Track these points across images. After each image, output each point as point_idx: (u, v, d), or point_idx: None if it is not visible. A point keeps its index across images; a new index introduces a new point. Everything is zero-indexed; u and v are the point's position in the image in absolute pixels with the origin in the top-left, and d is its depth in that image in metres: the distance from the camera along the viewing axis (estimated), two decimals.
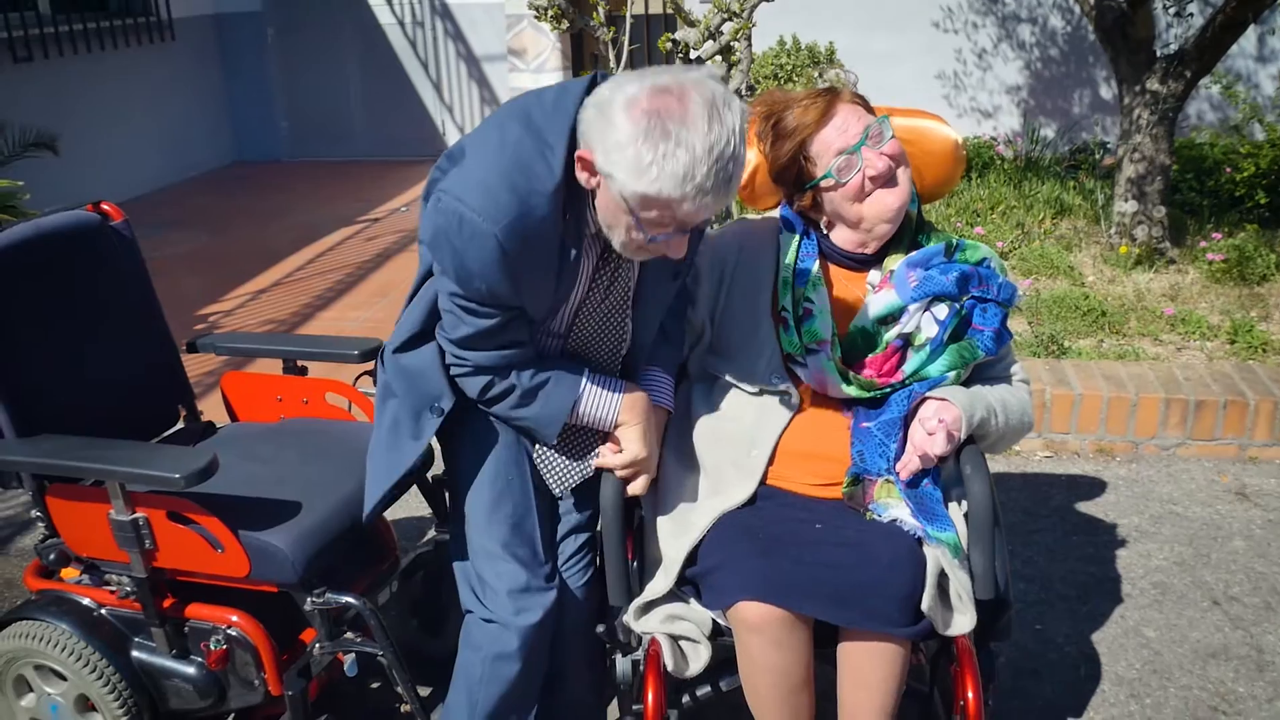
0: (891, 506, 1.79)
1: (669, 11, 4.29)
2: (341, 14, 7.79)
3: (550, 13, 3.88)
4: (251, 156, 8.11)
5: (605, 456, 1.82)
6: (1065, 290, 4.35)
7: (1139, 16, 4.56)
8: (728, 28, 3.81)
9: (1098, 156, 6.52)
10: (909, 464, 1.79)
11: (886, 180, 1.81)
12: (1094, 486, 3.22)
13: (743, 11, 3.71)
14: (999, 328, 1.88)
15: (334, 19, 7.81)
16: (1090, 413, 3.36)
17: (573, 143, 1.55)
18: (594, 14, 4.18)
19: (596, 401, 1.77)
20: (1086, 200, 5.50)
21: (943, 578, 1.73)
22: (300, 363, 2.32)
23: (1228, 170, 5.47)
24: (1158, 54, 4.67)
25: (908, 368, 1.85)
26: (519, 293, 1.62)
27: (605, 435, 1.83)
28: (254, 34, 7.85)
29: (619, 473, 1.80)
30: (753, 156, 1.97)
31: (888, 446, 1.81)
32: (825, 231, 1.92)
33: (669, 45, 3.86)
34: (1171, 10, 5.40)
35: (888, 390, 1.85)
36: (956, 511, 1.83)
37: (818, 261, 1.90)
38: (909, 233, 1.91)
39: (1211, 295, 4.33)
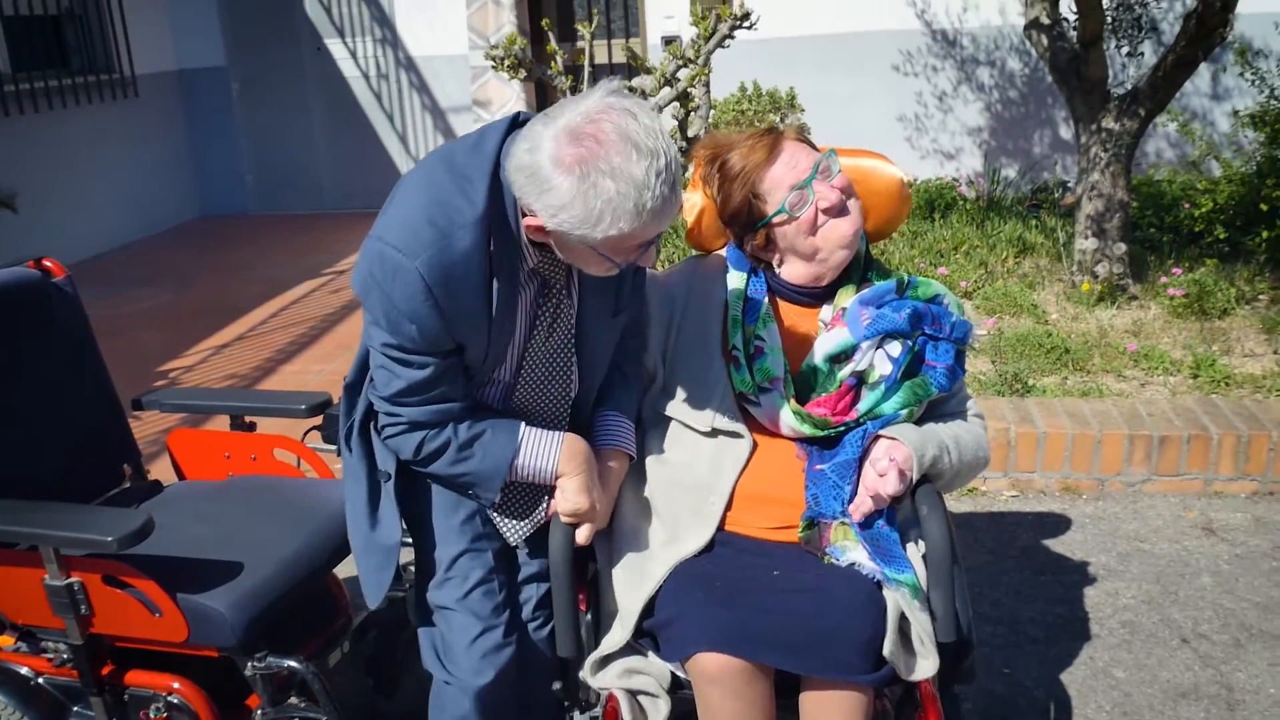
0: (849, 550, 1.75)
1: (626, 60, 4.32)
2: (306, 67, 7.82)
3: (507, 63, 3.90)
4: (217, 211, 8.08)
5: (553, 503, 1.78)
6: (1029, 328, 4.36)
7: (1092, 56, 4.62)
8: (684, 74, 3.83)
9: (1058, 195, 6.59)
10: (861, 505, 1.76)
11: (839, 210, 1.81)
12: (1061, 525, 3.20)
13: (697, 58, 3.74)
14: (952, 364, 1.87)
15: (299, 73, 7.83)
16: (1055, 450, 3.35)
17: (495, 179, 1.54)
18: (552, 63, 4.20)
19: (535, 451, 1.73)
20: (1048, 239, 5.54)
21: (904, 621, 1.69)
22: (248, 419, 2.27)
23: (1186, 206, 5.53)
24: (1112, 93, 4.73)
25: (862, 406, 1.82)
26: (451, 331, 1.59)
27: (550, 489, 1.79)
28: (218, 89, 7.86)
29: (564, 519, 1.76)
30: (698, 199, 1.96)
31: (842, 489, 1.77)
32: (777, 269, 1.91)
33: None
34: (1124, 50, 5.49)
35: (842, 429, 1.82)
36: (915, 552, 1.80)
37: (767, 298, 1.88)
38: (858, 269, 1.90)
39: (1173, 330, 4.35)
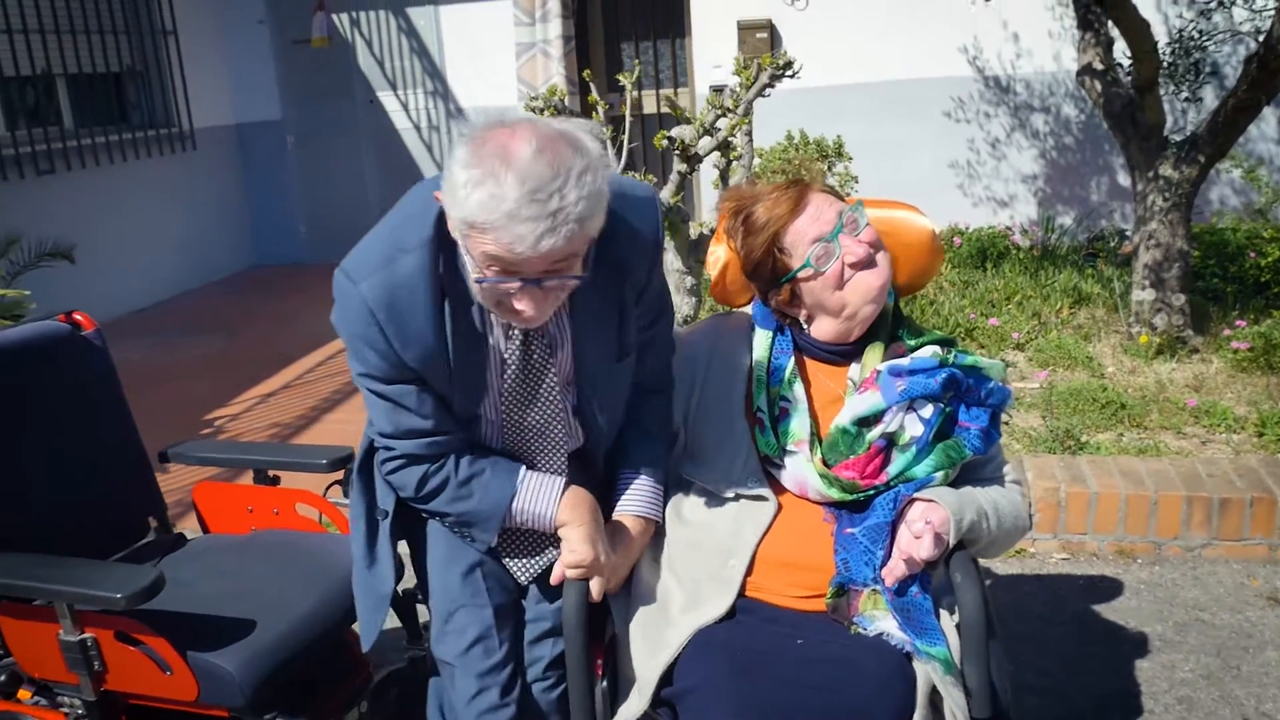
0: (878, 619, 1.67)
1: (664, 110, 4.31)
2: (360, 120, 7.96)
3: (546, 114, 3.90)
4: (271, 260, 8.21)
5: (558, 568, 1.72)
6: (1083, 382, 4.23)
7: (1148, 102, 4.52)
8: (723, 124, 3.81)
9: (1115, 244, 6.44)
10: (894, 569, 1.68)
11: (866, 264, 1.75)
12: (1114, 590, 3.05)
13: (737, 107, 3.71)
14: (987, 426, 1.79)
15: (352, 125, 7.97)
16: (1108, 512, 3.21)
17: None
18: (594, 114, 4.21)
19: (535, 496, 1.69)
20: (1105, 289, 5.40)
21: (935, 695, 1.61)
22: (272, 472, 2.26)
23: (1252, 255, 5.37)
24: (1170, 139, 4.62)
25: (892, 469, 1.75)
26: (406, 360, 1.55)
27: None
28: (274, 142, 8.02)
29: (570, 573, 1.69)
30: (723, 253, 1.91)
31: (874, 554, 1.70)
32: (805, 326, 1.85)
33: (665, 143, 3.86)
34: (1183, 95, 5.37)
35: (871, 492, 1.74)
36: (948, 622, 1.71)
37: (793, 358, 1.82)
38: (886, 325, 1.84)
39: (1237, 385, 4.19)
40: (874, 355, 1.83)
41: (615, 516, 1.77)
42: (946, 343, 1.85)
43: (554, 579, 1.74)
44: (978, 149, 7.15)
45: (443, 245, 1.52)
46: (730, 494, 1.76)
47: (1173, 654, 2.72)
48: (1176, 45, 5.22)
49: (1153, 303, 4.65)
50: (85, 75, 6.58)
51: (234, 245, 8.01)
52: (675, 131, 3.93)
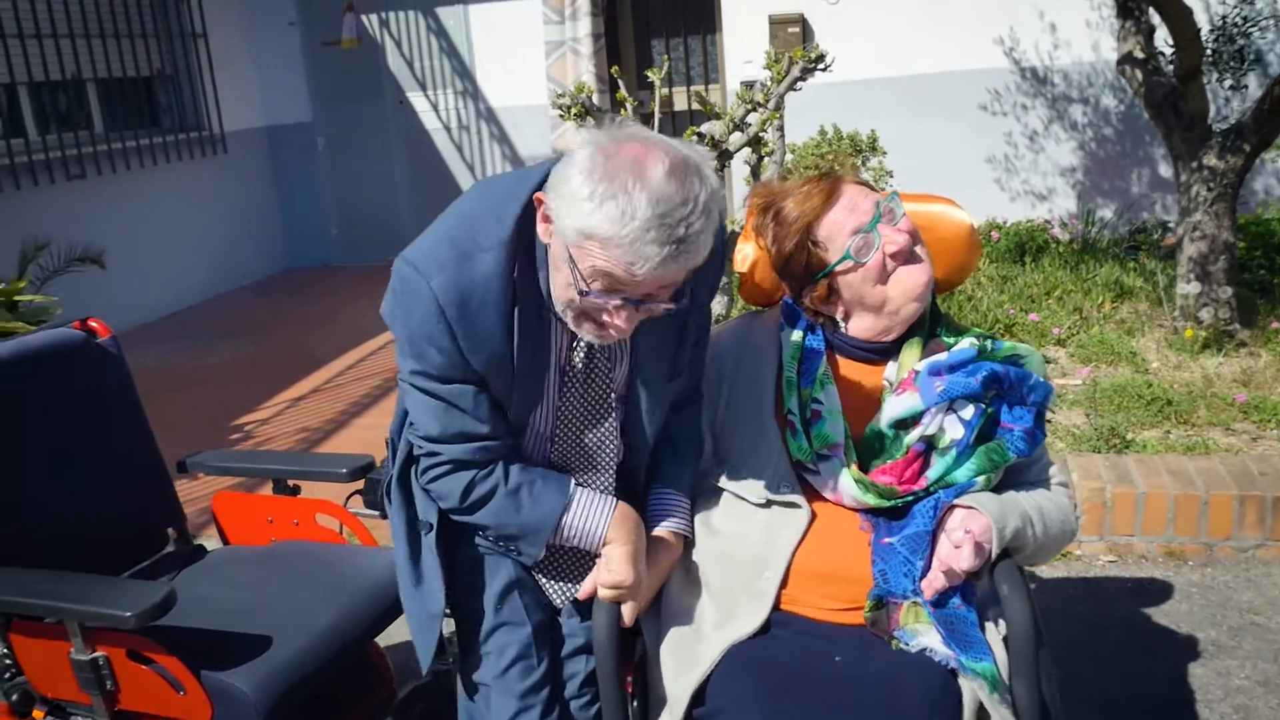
0: (920, 633, 1.58)
1: (695, 108, 4.23)
2: (389, 121, 7.94)
3: (574, 111, 3.84)
4: (302, 263, 8.22)
5: (591, 579, 1.65)
6: (1127, 378, 4.10)
7: (1190, 91, 4.39)
8: (754, 119, 3.72)
9: (1158, 236, 6.28)
10: (933, 581, 1.59)
11: (907, 256, 1.67)
12: (1164, 594, 2.94)
13: (767, 102, 3.63)
14: (1031, 426, 1.70)
15: (382, 126, 7.96)
16: (1157, 512, 3.10)
17: (531, 204, 1.46)
18: (623, 110, 4.14)
19: (587, 511, 1.62)
20: (1148, 282, 5.26)
21: (982, 713, 1.52)
22: (292, 482, 2.20)
23: None
24: (1214, 129, 4.48)
25: (932, 473, 1.66)
26: (470, 361, 1.49)
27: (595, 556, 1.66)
28: (304, 144, 8.02)
29: (604, 593, 1.62)
30: (751, 250, 1.83)
31: (913, 565, 1.61)
32: (842, 324, 1.77)
33: (695, 139, 3.78)
34: (1227, 84, 5.21)
35: (910, 498, 1.66)
36: (994, 635, 1.63)
37: (825, 357, 1.74)
38: (924, 323, 1.75)
39: None
40: (912, 354, 1.74)
41: (649, 530, 1.70)
42: (984, 338, 1.77)
43: (582, 593, 1.67)
44: (1015, 142, 7.01)
45: (520, 247, 1.47)
46: (762, 500, 1.68)
47: (1227, 660, 2.61)
48: (1220, 32, 5.07)
49: (1198, 296, 4.51)
50: (115, 79, 6.60)
51: (265, 248, 8.02)
52: (705, 127, 3.85)
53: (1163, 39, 4.58)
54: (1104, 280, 5.34)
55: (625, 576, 1.60)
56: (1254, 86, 5.94)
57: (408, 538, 1.70)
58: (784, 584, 1.65)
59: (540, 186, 1.46)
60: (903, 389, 1.69)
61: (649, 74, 4.28)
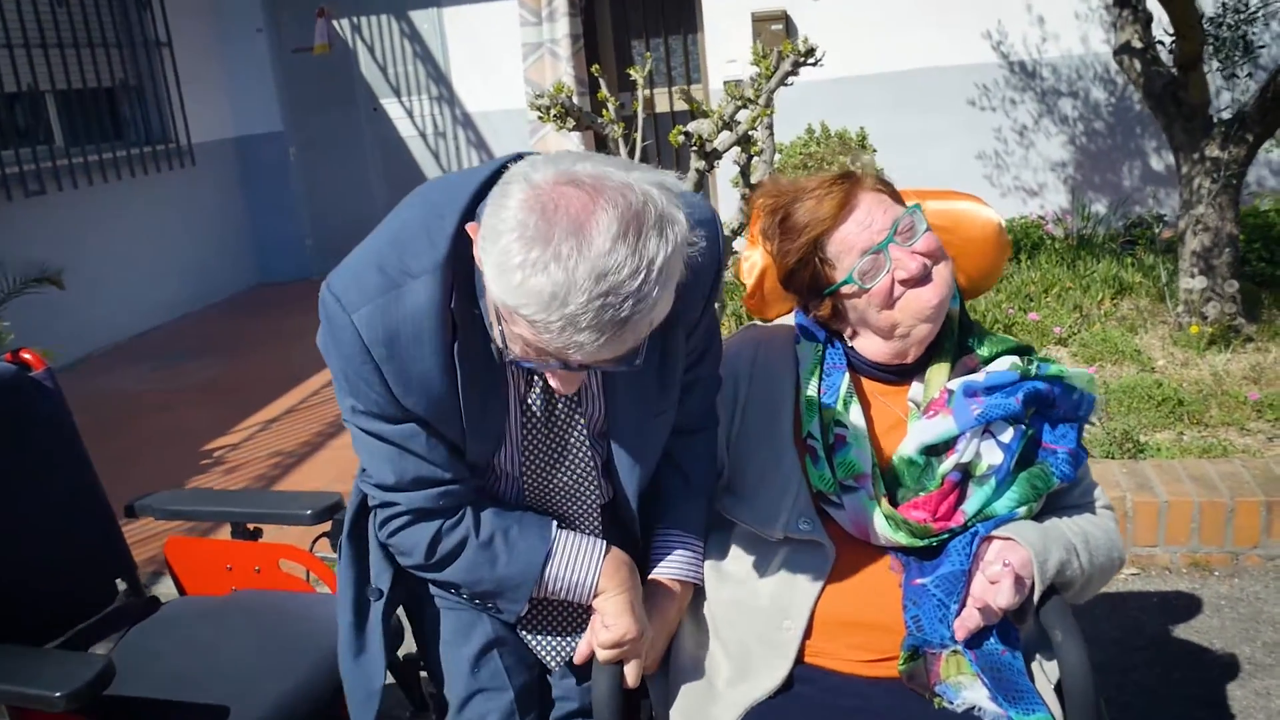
0: (965, 686, 1.41)
1: (680, 107, 4.05)
2: (363, 128, 7.72)
3: (554, 112, 3.65)
4: (277, 277, 7.98)
5: (586, 639, 1.46)
6: (1134, 378, 3.94)
7: (1191, 80, 4.23)
8: (744, 116, 3.54)
9: (1156, 230, 6.14)
10: (967, 620, 1.42)
11: (919, 281, 1.48)
12: (1192, 608, 2.77)
13: (758, 98, 3.45)
14: (1075, 447, 1.52)
15: (356, 134, 7.74)
16: (1180, 521, 2.93)
17: (466, 220, 1.24)
18: (604, 111, 3.95)
19: (573, 559, 1.41)
20: (1148, 277, 5.11)
21: None
22: (252, 525, 2.00)
23: None
24: (1215, 119, 4.33)
25: (969, 506, 1.48)
26: (409, 406, 1.29)
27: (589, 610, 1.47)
28: (276, 154, 7.79)
29: (603, 654, 1.42)
30: (759, 259, 1.65)
31: (949, 609, 1.43)
32: (849, 341, 1.59)
33: (681, 139, 3.60)
34: (1228, 73, 5.07)
35: (945, 536, 1.48)
36: (1044, 683, 1.45)
37: (847, 375, 1.55)
38: (952, 336, 1.57)
39: None
40: (940, 373, 1.56)
41: (651, 579, 1.50)
42: (1023, 351, 1.59)
43: (579, 657, 1.47)
44: (1004, 137, 6.87)
45: (457, 269, 1.24)
46: (779, 536, 1.49)
47: (1267, 679, 2.44)
48: (1222, 19, 4.92)
49: (1203, 291, 4.36)
50: (75, 91, 6.36)
51: (237, 263, 7.78)
52: (692, 126, 3.67)
53: (1161, 28, 4.43)
54: (1102, 276, 5.18)
55: (625, 630, 1.40)
56: (1242, 76, 5.81)
57: (354, 602, 1.50)
58: (807, 634, 1.47)
59: (480, 197, 1.23)
60: (933, 410, 1.51)
61: (631, 72, 4.09)
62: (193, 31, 7.26)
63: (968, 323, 1.61)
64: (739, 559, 1.54)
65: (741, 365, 1.61)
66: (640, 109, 4.12)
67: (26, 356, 1.94)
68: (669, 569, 1.49)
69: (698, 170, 3.79)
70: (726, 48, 6.96)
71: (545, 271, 1.04)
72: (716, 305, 3.56)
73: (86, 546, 1.93)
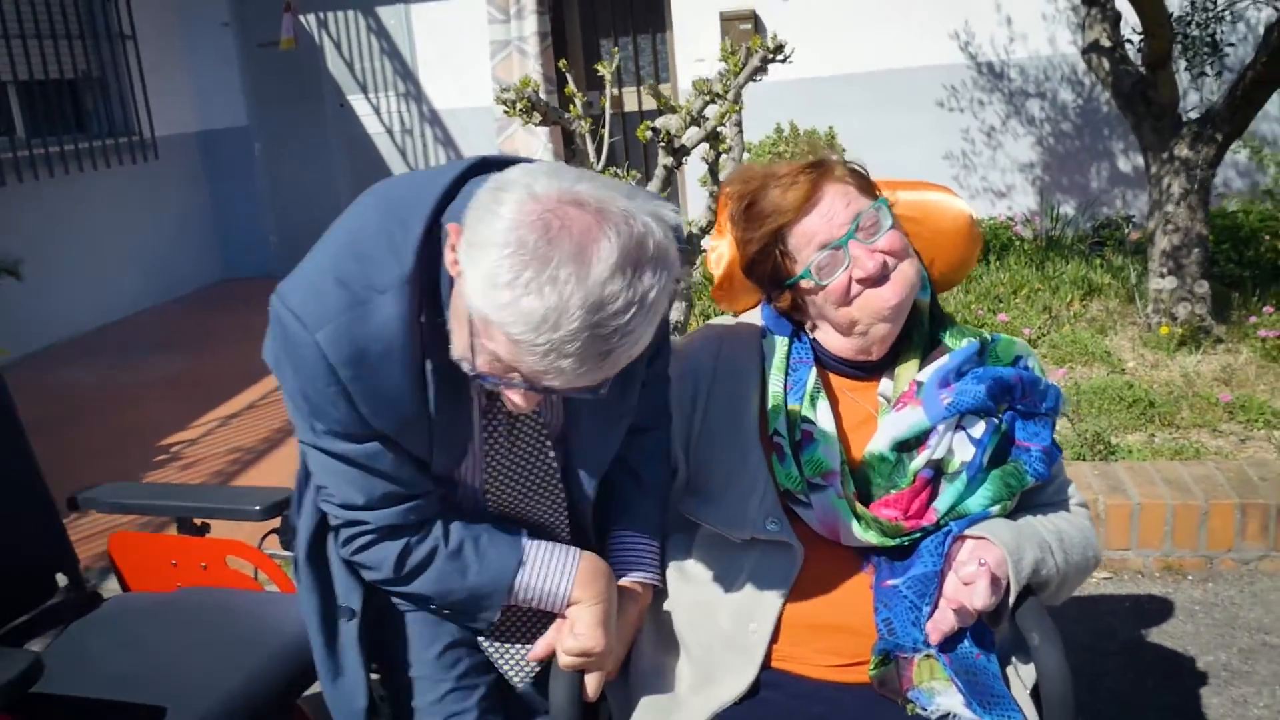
0: (938, 693, 1.35)
1: (649, 106, 4.00)
2: (329, 125, 7.61)
3: (519, 106, 3.58)
4: (241, 273, 7.84)
5: (548, 638, 1.39)
6: (1105, 379, 3.93)
7: (1160, 79, 4.23)
8: (712, 111, 3.49)
9: (1125, 231, 6.16)
10: (941, 622, 1.37)
11: (878, 280, 1.43)
12: (1165, 612, 2.75)
13: (726, 93, 3.40)
14: (1048, 445, 1.48)
15: (322, 130, 7.63)
16: (1153, 524, 2.91)
17: (436, 227, 1.17)
18: (571, 107, 3.90)
19: (545, 567, 1.35)
20: (1116, 278, 5.12)
21: None
22: (199, 520, 1.92)
23: (1267, 238, 5.09)
24: (1184, 118, 4.33)
25: (941, 504, 1.43)
26: (377, 425, 1.22)
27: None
28: (241, 149, 7.66)
29: (565, 659, 1.36)
30: (726, 249, 1.60)
31: (921, 611, 1.38)
32: (811, 334, 1.54)
33: (649, 135, 3.54)
34: (1196, 71, 5.08)
35: (917, 535, 1.43)
36: (1019, 688, 1.41)
37: (814, 371, 1.50)
38: (921, 329, 1.52)
39: (1270, 376, 3.90)
40: (910, 367, 1.51)
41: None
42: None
43: (534, 654, 1.41)
44: (972, 138, 6.87)
45: (425, 283, 1.18)
46: (745, 538, 1.44)
47: (1243, 686, 2.41)
48: (1190, 18, 4.93)
49: (1173, 291, 4.36)
50: (38, 82, 6.22)
51: (200, 258, 7.64)
52: (660, 122, 3.61)
53: (1129, 26, 4.43)
54: (1071, 277, 5.18)
55: (594, 643, 1.34)
56: (1211, 76, 5.83)
57: (322, 625, 1.43)
58: (774, 638, 1.41)
59: (448, 198, 1.18)
60: (903, 403, 1.47)
61: (598, 68, 4.03)
62: (157, 24, 7.14)
63: (939, 314, 1.57)
64: (703, 561, 1.48)
65: (704, 362, 1.55)
66: (608, 105, 4.07)
67: None
68: (629, 570, 1.43)
69: (665, 167, 3.73)
70: (695, 47, 6.92)
71: (540, 294, 1.00)
72: (684, 305, 3.44)
73: (24, 538, 1.85)
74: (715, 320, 1.67)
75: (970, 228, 1.67)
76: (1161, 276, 4.39)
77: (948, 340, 1.53)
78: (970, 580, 1.37)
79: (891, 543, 1.41)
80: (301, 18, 7.31)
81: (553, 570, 1.35)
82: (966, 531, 1.41)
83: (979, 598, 1.35)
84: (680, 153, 3.67)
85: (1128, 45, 4.45)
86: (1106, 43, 4.40)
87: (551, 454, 1.38)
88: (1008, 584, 1.39)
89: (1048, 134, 6.78)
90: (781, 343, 1.52)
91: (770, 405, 1.48)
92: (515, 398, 1.14)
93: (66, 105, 6.60)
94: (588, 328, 1.01)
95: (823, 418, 1.46)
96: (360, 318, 1.16)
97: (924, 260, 1.55)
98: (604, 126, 4.08)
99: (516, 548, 1.35)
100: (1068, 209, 6.68)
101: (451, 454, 1.31)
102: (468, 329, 1.09)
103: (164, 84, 7.18)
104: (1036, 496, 1.52)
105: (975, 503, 1.42)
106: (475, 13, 7.06)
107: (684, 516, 1.50)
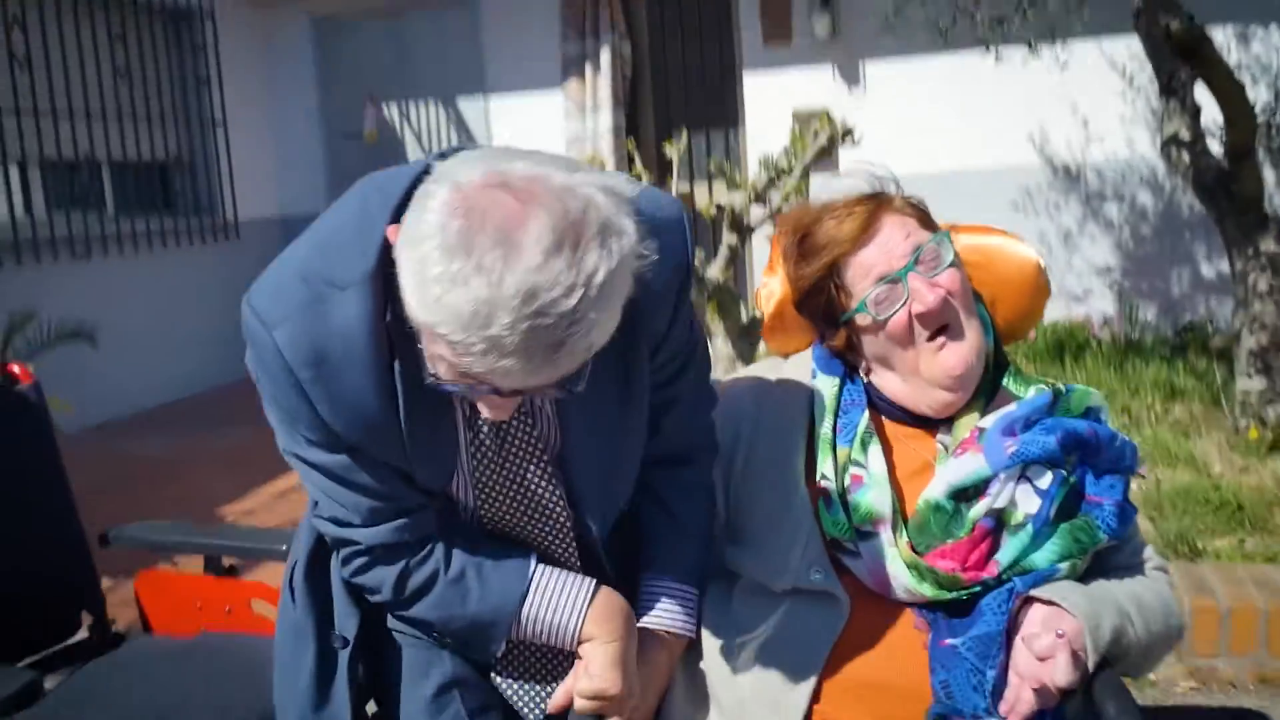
0: None
1: (718, 193, 3.99)
2: None
3: None
4: None
5: (566, 685, 1.29)
6: (1190, 481, 3.72)
7: (1244, 172, 4.11)
8: (776, 195, 3.46)
9: (1210, 332, 5.95)
10: (1019, 703, 1.23)
11: (941, 323, 1.34)
12: None
13: (791, 170, 3.37)
14: (1121, 500, 1.35)
15: None
16: (1245, 630, 2.68)
17: (395, 221, 1.08)
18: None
19: (553, 598, 1.25)
20: (1200, 381, 4.91)
21: None
22: (229, 561, 1.87)
23: None
24: (1269, 213, 4.19)
25: (1004, 556, 1.31)
26: (340, 432, 1.15)
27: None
28: None
29: (581, 703, 1.24)
30: (777, 286, 1.52)
31: (984, 675, 1.25)
32: (865, 377, 1.45)
33: (714, 211, 3.52)
34: None
35: (977, 589, 1.30)
36: None
37: (866, 413, 1.41)
38: (984, 375, 1.42)
39: None
40: (971, 417, 1.41)
41: (639, 627, 1.33)
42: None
43: (554, 705, 1.30)
44: (1048, 241, 6.75)
45: (390, 279, 1.08)
46: (786, 588, 1.33)
47: None
48: (1274, 108, 4.82)
49: (1262, 393, 4.15)
50: (131, 163, 6.48)
51: None
52: (725, 199, 3.60)
53: (1210, 118, 4.34)
54: (1152, 380, 4.99)
55: (608, 684, 1.23)
56: None
57: (316, 648, 1.34)
58: (815, 697, 1.29)
59: (409, 195, 1.07)
60: (963, 449, 1.36)
61: (666, 146, 4.06)
62: (247, 112, 7.42)
63: (1003, 360, 1.47)
64: (740, 612, 1.37)
65: (746, 403, 1.47)
66: (674, 186, 4.08)
67: (14, 369, 1.85)
68: (656, 619, 1.33)
69: (730, 246, 3.70)
70: (767, 144, 6.98)
71: (466, 286, 0.91)
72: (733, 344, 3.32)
73: (53, 572, 1.81)
74: (761, 361, 1.59)
75: (1038, 276, 1.58)
76: (1249, 377, 4.19)
77: (1013, 388, 1.42)
78: (1047, 654, 1.24)
79: (948, 596, 1.29)
80: (384, 107, 7.55)
81: (563, 603, 1.25)
82: (1035, 593, 1.29)
83: (1061, 674, 1.22)
84: (745, 231, 3.64)
85: (1209, 138, 4.35)
86: (1186, 135, 4.29)
87: (548, 472, 1.27)
88: (1086, 658, 1.26)
89: (1126, 237, 6.64)
90: (832, 384, 1.43)
91: (818, 447, 1.38)
92: (484, 408, 1.06)
93: (155, 185, 6.85)
94: (525, 319, 0.92)
95: (874, 462, 1.36)
96: (319, 315, 1.09)
97: (986, 303, 1.47)
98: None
99: (523, 576, 1.25)
100: (1148, 315, 6.50)
101: (435, 468, 1.23)
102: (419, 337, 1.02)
103: (249, 168, 7.43)
104: (1110, 559, 1.38)
105: (1042, 558, 1.30)
106: (552, 107, 7.23)
107: (720, 564, 1.40)
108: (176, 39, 6.88)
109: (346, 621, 1.33)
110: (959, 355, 1.35)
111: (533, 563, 1.27)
